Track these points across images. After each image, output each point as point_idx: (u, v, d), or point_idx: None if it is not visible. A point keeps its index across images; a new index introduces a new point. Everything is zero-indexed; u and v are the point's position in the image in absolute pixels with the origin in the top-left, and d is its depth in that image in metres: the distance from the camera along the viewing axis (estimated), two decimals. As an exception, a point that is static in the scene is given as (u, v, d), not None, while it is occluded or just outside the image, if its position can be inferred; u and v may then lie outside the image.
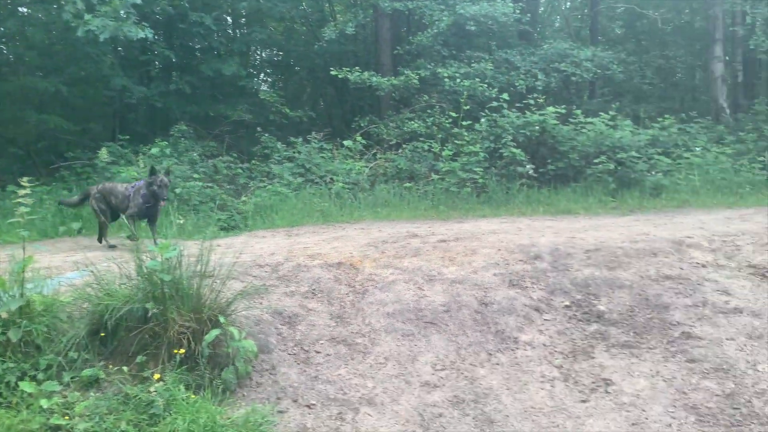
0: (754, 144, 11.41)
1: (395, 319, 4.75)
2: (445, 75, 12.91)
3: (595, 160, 9.92)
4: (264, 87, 18.06)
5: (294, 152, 11.20)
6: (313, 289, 5.09)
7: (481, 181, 9.88)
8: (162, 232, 7.48)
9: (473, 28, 13.34)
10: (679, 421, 3.49)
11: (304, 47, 16.81)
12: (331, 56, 15.74)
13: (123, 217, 7.10)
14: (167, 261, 4.04)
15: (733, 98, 15.37)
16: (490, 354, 4.32)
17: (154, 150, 10.35)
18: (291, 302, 4.84)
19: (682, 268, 5.28)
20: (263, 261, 5.64)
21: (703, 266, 5.41)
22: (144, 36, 9.74)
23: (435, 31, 13.47)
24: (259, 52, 18.93)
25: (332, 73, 13.17)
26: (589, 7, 17.18)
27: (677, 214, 8.20)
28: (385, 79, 13.22)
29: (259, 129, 12.73)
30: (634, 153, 9.91)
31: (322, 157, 11.10)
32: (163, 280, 3.97)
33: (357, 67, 13.28)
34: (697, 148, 10.99)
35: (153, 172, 6.64)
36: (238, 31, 17.60)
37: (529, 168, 9.95)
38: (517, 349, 4.37)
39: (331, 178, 10.14)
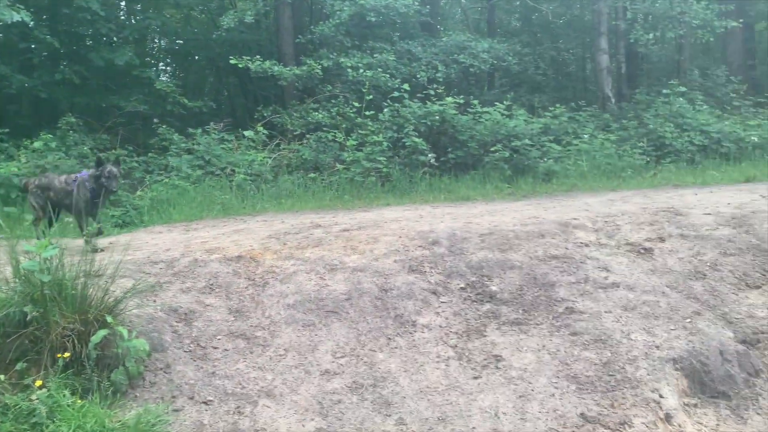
0: (635, 131, 12.30)
1: (296, 310, 4.74)
2: (348, 65, 12.93)
3: (492, 149, 10.34)
4: (163, 77, 17.26)
5: (193, 144, 10.83)
6: (211, 284, 4.97)
7: (385, 170, 10.02)
8: (47, 230, 7.00)
9: (374, 19, 13.43)
10: (561, 391, 3.75)
11: (204, 36, 16.22)
12: (232, 45, 15.30)
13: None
14: (46, 261, 3.80)
15: (617, 88, 16.45)
16: (389, 338, 4.42)
17: (38, 144, 9.65)
18: (187, 298, 4.71)
19: (567, 248, 5.63)
20: (158, 257, 5.44)
21: (586, 245, 5.79)
22: (21, 19, 9.02)
23: (337, 21, 13.44)
24: (156, 41, 18.07)
25: (232, 62, 12.81)
26: (486, 0, 17.76)
27: (566, 198, 8.72)
28: (288, 68, 13.05)
29: (156, 120, 12.19)
30: (527, 141, 10.42)
31: (223, 148, 10.82)
32: (43, 281, 3.73)
33: (258, 57, 13.00)
34: (585, 136, 11.71)
35: (100, 162, 6.06)
36: (132, 18, 16.69)
37: (431, 157, 10.21)
38: (415, 332, 4.49)
39: (233, 170, 9.91)
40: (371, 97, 11.48)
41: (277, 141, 11.53)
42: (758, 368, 4.07)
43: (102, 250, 5.50)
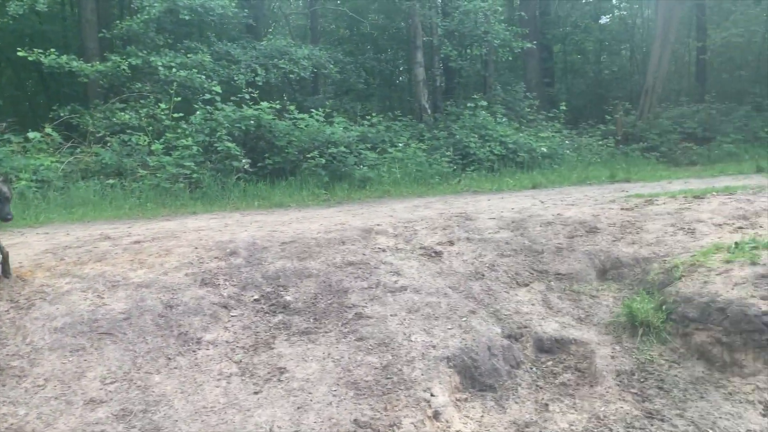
0: (445, 141, 13.14)
1: (64, 333, 4.27)
2: (159, 63, 12.17)
3: (308, 155, 10.36)
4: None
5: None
6: (-43, 310, 4.29)
7: (195, 176, 9.55)
8: None
9: (188, 17, 12.81)
10: (339, 398, 3.78)
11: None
12: (22, 35, 13.65)
13: None
14: None
15: (433, 100, 17.49)
16: (170, 359, 4.15)
17: None
18: None
19: (364, 254, 5.76)
20: None
21: (384, 250, 5.98)
22: None
23: (146, 16, 12.59)
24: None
25: (20, 53, 11.39)
26: (308, 7, 17.86)
27: (377, 204, 9.01)
28: (89, 64, 11.93)
29: None
30: (343, 148, 10.60)
31: (12, 151, 9.55)
32: None
33: (53, 50, 11.71)
34: (400, 144, 12.24)
35: None
36: None
37: (245, 162, 9.96)
38: (199, 350, 4.27)
39: (16, 176, 8.77)
40: (179, 98, 10.89)
41: (72, 143, 10.43)
42: (519, 360, 4.48)
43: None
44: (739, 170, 12.04)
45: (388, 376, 4.02)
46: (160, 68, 12.09)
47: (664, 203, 6.99)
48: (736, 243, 5.06)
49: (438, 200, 9.11)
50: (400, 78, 21.27)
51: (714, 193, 7.34)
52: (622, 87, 25.40)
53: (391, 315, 4.74)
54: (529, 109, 15.62)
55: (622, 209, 6.88)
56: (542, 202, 7.99)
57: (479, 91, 17.17)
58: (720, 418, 3.86)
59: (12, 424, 3.47)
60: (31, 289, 4.80)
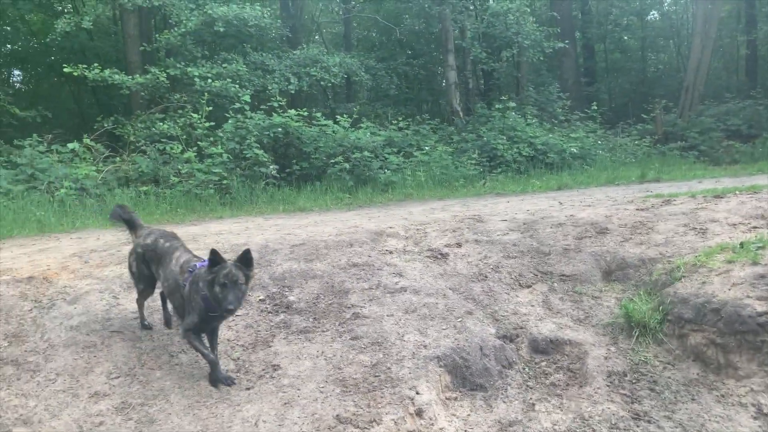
0: (473, 143, 13.13)
1: (78, 331, 4.57)
2: (196, 74, 12.67)
3: (332, 161, 10.58)
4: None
5: (16, 156, 10.08)
6: (-14, 309, 4.66)
7: (225, 182, 9.92)
8: None
9: (222, 29, 13.28)
10: (325, 395, 3.92)
11: (37, 40, 15.16)
12: (72, 52, 14.46)
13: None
14: None
15: (465, 102, 17.49)
16: (172, 356, 4.39)
17: None
18: (-48, 325, 4.38)
19: (370, 256, 5.90)
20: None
21: (390, 252, 6.11)
22: None
23: (183, 30, 13.14)
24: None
25: (66, 70, 12.08)
26: (342, 16, 18.17)
27: (397, 207, 9.13)
28: (129, 77, 12.54)
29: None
30: (367, 153, 10.78)
31: (60, 161, 10.17)
32: None
33: (96, 64, 12.37)
34: (426, 147, 12.32)
35: (215, 259, 3.74)
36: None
37: (273, 168, 10.25)
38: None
39: (62, 184, 9.34)
40: (211, 108, 11.30)
41: (110, 152, 10.99)
42: (512, 360, 4.51)
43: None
44: (780, 168, 11.56)
45: (376, 374, 4.14)
46: (196, 79, 12.58)
47: (681, 203, 6.84)
48: (741, 243, 4.94)
49: (458, 203, 9.15)
50: (435, 82, 21.36)
51: (737, 192, 7.12)
52: (667, 85, 24.70)
53: (387, 315, 4.86)
54: (561, 110, 15.40)
55: (637, 209, 6.77)
56: (560, 204, 7.93)
57: (513, 92, 17.07)
58: (709, 420, 3.80)
59: (21, 415, 3.76)
60: (55, 289, 5.13)
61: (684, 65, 24.00)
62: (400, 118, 13.05)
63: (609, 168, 12.53)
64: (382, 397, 3.91)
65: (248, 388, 4.03)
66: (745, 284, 4.31)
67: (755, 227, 5.71)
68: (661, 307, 4.56)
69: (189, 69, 12.84)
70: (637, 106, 20.69)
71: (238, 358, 4.38)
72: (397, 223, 7.10)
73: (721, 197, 6.88)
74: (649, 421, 3.83)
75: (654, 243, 5.71)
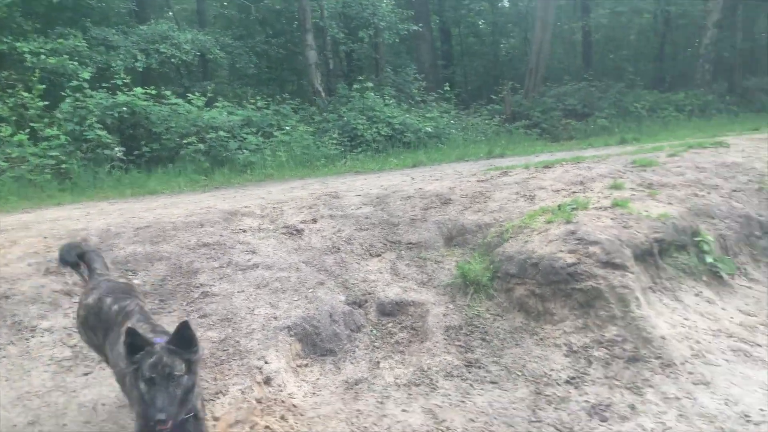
0: (334, 123, 13.28)
1: None
2: (26, 50, 11.51)
3: (185, 141, 10.20)
4: None
5: None
6: None
7: (64, 166, 9.19)
8: None
9: (56, 0, 12.17)
10: (170, 372, 3.87)
11: None
12: None
13: None
14: None
15: (327, 83, 17.57)
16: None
17: None
18: None
19: (222, 235, 5.82)
20: None
21: (244, 231, 6.07)
22: None
23: (8, 0, 11.85)
24: None
25: None
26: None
27: (256, 187, 9.03)
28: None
29: None
30: (222, 133, 10.51)
31: None
32: None
33: None
34: (287, 127, 12.26)
35: (135, 341, 2.71)
36: None
37: (118, 151, 9.67)
38: (33, 337, 4.21)
39: None
40: (44, 86, 10.37)
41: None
42: (360, 324, 4.73)
43: None
44: (605, 142, 12.97)
45: (224, 349, 4.15)
46: (27, 55, 11.43)
47: (516, 174, 7.48)
48: (558, 205, 5.54)
49: (318, 182, 9.25)
50: (297, 62, 21.15)
51: (563, 163, 7.92)
52: (516, 68, 26.48)
53: (238, 291, 4.86)
54: (417, 91, 16.01)
55: (477, 181, 7.30)
56: (412, 179, 8.31)
57: (373, 73, 17.42)
58: (530, 361, 4.27)
59: None
60: None
61: (530, 50, 25.93)
62: (258, 98, 12.83)
63: (461, 146, 13.29)
64: (229, 370, 3.94)
65: (86, 374, 3.86)
66: (559, 240, 4.87)
67: (574, 192, 6.42)
68: (491, 266, 5.01)
69: (18, 44, 11.63)
70: (490, 88, 22.04)
71: (75, 345, 4.17)
72: (254, 203, 7.05)
73: (549, 167, 7.62)
74: (479, 367, 4.22)
75: (490, 210, 6.21)
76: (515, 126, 16.22)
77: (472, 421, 3.69)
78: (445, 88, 16.61)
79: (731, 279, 5.39)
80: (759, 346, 4.50)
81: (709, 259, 5.28)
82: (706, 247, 5.34)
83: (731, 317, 4.84)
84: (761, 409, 3.76)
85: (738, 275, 5.55)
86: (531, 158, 10.31)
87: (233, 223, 6.25)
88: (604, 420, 3.67)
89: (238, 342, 4.23)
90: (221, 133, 10.44)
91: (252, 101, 12.52)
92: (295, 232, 6.13)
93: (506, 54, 29.29)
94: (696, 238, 5.42)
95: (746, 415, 3.70)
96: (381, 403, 3.89)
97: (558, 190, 6.52)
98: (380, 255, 5.74)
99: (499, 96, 18.02)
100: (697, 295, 5.04)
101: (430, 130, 13.41)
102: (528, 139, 15.24)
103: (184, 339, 2.71)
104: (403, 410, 3.79)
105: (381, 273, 5.40)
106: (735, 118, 16.96)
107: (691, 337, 4.39)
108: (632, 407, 3.77)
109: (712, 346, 4.36)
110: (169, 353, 2.61)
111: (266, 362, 4.07)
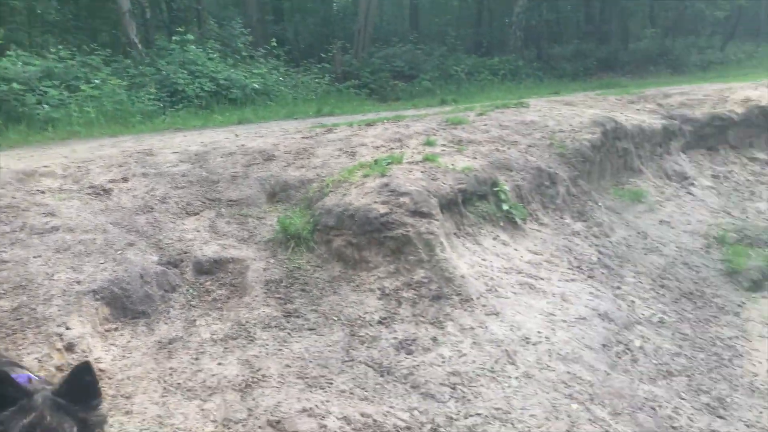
0: (151, 77, 12.35)
1: None
2: None
3: (-32, 93, 8.88)
4: None
5: None
6: None
7: None
8: None
9: None
10: (-51, 348, 3.47)
11: None
12: None
13: None
14: None
15: (144, 34, 16.19)
16: None
17: None
18: None
19: (14, 197, 5.24)
20: None
21: (43, 192, 5.52)
22: None
23: None
24: None
25: None
26: None
27: (59, 146, 8.15)
28: None
29: None
30: (16, 85, 9.30)
31: None
32: None
33: None
34: (96, 81, 11.16)
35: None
36: None
37: None
38: None
39: None
40: None
41: None
42: (175, 284, 4.60)
43: None
44: (427, 104, 13.67)
45: (18, 318, 3.80)
46: None
47: (340, 131, 7.64)
48: (375, 160, 5.80)
49: (132, 139, 8.62)
50: (110, 10, 19.15)
51: (384, 121, 8.24)
52: (347, 27, 26.60)
53: (34, 257, 4.44)
54: (243, 45, 15.44)
55: (302, 138, 7.34)
56: (236, 136, 8.10)
57: (196, 26, 16.41)
58: (347, 307, 4.50)
59: None
60: None
61: (360, 10, 26.15)
62: (61, 47, 11.47)
63: (291, 104, 13.14)
64: (24, 339, 3.63)
65: None
66: (374, 193, 5.12)
67: (392, 148, 6.74)
68: (312, 219, 5.13)
69: None
70: (321, 47, 21.93)
71: None
72: (55, 162, 6.41)
73: (371, 125, 7.89)
74: (298, 317, 4.35)
75: (313, 166, 6.31)
76: (345, 86, 16.39)
77: (288, 366, 3.82)
78: (272, 44, 16.20)
79: (524, 224, 6.09)
80: (542, 279, 5.19)
81: (505, 207, 5.91)
82: (503, 196, 5.96)
83: (521, 256, 5.50)
84: (539, 332, 4.37)
85: (530, 220, 6.29)
86: (358, 117, 10.54)
87: (28, 185, 5.66)
88: (409, 353, 4.02)
89: (34, 309, 3.89)
90: (15, 85, 9.21)
91: (53, 51, 11.15)
92: (102, 192, 5.73)
93: (338, 12, 29.24)
94: (495, 188, 6.02)
95: (527, 338, 4.28)
96: (196, 359, 3.85)
97: (378, 147, 6.79)
98: (198, 213, 5.58)
99: (329, 55, 18.03)
100: (494, 238, 5.63)
101: (257, 86, 13.06)
102: (357, 98, 15.51)
103: (79, 388, 1.79)
104: (219, 363, 3.80)
105: (198, 231, 5.26)
106: (540, 83, 18.78)
107: (487, 275, 4.93)
108: (434, 339, 4.17)
109: (503, 281, 4.93)
110: (55, 410, 1.71)
111: (68, 328, 3.81)
